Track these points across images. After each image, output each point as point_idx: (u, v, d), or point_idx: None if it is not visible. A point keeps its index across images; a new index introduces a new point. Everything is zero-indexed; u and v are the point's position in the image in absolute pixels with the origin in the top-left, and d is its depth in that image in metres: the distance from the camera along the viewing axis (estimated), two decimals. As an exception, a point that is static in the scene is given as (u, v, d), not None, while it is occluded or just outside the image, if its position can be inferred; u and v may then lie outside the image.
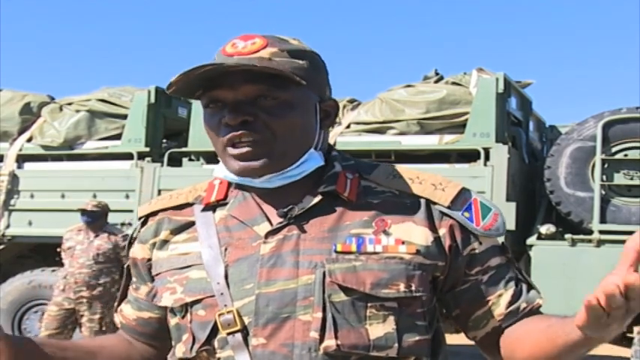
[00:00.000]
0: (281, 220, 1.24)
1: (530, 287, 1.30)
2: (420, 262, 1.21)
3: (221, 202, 1.31)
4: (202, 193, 1.34)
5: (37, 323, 6.79)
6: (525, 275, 1.32)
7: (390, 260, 1.20)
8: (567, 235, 5.88)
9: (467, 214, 1.26)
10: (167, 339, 1.35)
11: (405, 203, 1.26)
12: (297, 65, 1.23)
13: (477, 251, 1.27)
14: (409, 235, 1.23)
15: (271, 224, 1.24)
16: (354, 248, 1.20)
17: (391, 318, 1.19)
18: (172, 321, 1.30)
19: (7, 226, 7.28)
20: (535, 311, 1.28)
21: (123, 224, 6.73)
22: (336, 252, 1.20)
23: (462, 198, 1.27)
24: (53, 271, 6.73)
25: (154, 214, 1.37)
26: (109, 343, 1.43)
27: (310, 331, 1.17)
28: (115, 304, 1.48)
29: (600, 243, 5.79)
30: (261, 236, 1.24)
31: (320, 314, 1.17)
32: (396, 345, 1.18)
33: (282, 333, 1.18)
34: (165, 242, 1.33)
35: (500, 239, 1.31)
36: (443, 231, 1.24)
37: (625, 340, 6.20)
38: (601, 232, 5.81)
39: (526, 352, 1.22)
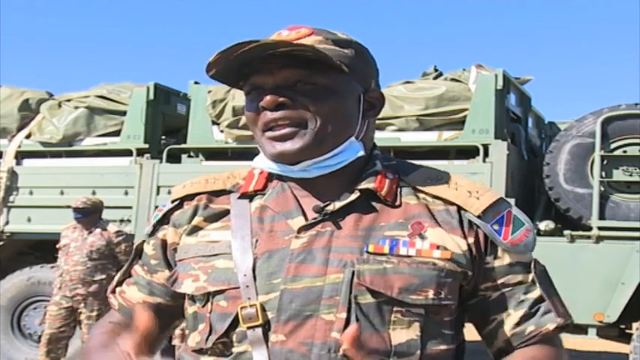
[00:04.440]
0: (316, 215, 1.22)
1: (551, 311, 1.22)
2: (452, 269, 1.18)
3: (259, 192, 1.28)
4: (240, 182, 1.31)
5: (36, 320, 6.79)
6: (554, 297, 1.24)
7: (422, 265, 1.17)
8: (566, 232, 5.88)
9: (496, 227, 1.22)
10: (163, 330, 1.33)
11: (441, 209, 1.23)
12: (341, 53, 1.22)
13: (491, 266, 1.22)
14: (444, 240, 1.19)
15: (306, 219, 1.22)
16: (386, 250, 1.17)
17: (416, 324, 1.16)
18: (190, 309, 1.26)
19: (7, 223, 7.27)
20: (547, 339, 1.22)
21: (122, 221, 6.73)
22: (367, 252, 1.17)
23: (496, 209, 1.23)
24: (52, 267, 6.71)
25: (190, 197, 1.33)
26: None
27: (332, 331, 1.14)
28: (113, 283, 1.41)
29: (599, 239, 5.78)
30: (294, 230, 1.21)
31: (344, 315, 1.15)
32: (419, 352, 1.15)
33: (303, 331, 1.15)
34: (196, 228, 1.29)
35: (530, 257, 1.25)
36: (471, 240, 1.21)
37: (624, 337, 6.20)
38: (600, 228, 5.80)
39: None
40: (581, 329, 5.65)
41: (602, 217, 5.86)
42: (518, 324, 1.21)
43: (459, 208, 1.22)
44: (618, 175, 5.95)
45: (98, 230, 6.02)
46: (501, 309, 1.22)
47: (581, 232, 5.89)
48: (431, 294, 1.16)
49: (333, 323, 1.14)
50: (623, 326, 6.25)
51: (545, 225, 5.99)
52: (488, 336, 1.24)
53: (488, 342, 1.25)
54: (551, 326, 1.21)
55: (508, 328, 1.21)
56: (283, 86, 1.20)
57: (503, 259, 1.22)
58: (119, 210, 6.78)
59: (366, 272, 1.16)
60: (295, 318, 1.15)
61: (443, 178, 1.27)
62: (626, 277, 5.63)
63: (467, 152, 6.20)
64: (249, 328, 1.17)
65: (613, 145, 5.98)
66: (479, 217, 1.22)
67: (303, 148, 1.19)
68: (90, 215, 6.02)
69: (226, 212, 1.28)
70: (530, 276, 1.23)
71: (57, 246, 6.09)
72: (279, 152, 1.20)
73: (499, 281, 1.22)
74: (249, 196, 1.28)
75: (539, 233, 5.95)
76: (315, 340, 1.14)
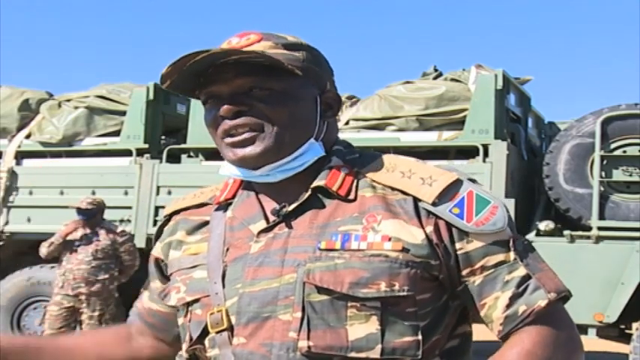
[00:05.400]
0: (275, 218, 1.23)
1: (540, 287, 1.18)
2: (408, 259, 1.16)
3: (229, 202, 1.31)
4: (217, 193, 1.34)
5: (36, 320, 6.79)
6: (540, 272, 1.20)
7: (374, 258, 1.15)
8: (566, 232, 5.88)
9: (456, 210, 1.18)
10: (173, 335, 1.38)
11: (399, 199, 1.21)
12: (293, 57, 1.23)
13: (465, 251, 1.18)
14: (398, 232, 1.17)
15: (268, 222, 1.24)
16: (337, 245, 1.17)
17: (374, 318, 1.14)
18: (179, 321, 1.30)
19: (6, 223, 7.28)
20: (542, 316, 1.16)
21: (122, 221, 6.74)
22: (319, 249, 1.18)
23: (452, 192, 1.19)
24: (52, 267, 6.71)
25: (177, 212, 1.39)
26: (100, 340, 1.46)
27: (289, 331, 1.16)
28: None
29: (599, 239, 5.79)
30: (255, 235, 1.23)
31: (299, 314, 1.15)
32: (379, 346, 1.14)
33: (263, 332, 1.17)
34: (180, 242, 1.34)
35: (507, 234, 1.19)
36: (429, 229, 1.17)
37: (624, 337, 6.21)
38: (600, 228, 5.81)
39: None
40: (581, 329, 5.65)
41: (601, 217, 5.87)
42: (509, 305, 1.17)
43: (415, 197, 1.20)
44: (618, 175, 5.96)
45: (103, 230, 6.06)
46: (488, 292, 1.18)
47: (580, 232, 5.90)
48: (383, 286, 1.14)
49: (290, 323, 1.16)
50: (622, 326, 6.26)
51: (545, 225, 5.99)
52: (486, 322, 1.21)
53: (490, 328, 1.22)
54: (542, 303, 1.17)
55: (500, 310, 1.17)
56: (239, 93, 1.21)
57: (476, 242, 1.18)
58: (119, 210, 6.79)
59: (316, 270, 1.16)
60: (254, 320, 1.18)
61: (399, 166, 1.24)
62: (626, 277, 5.63)
63: (467, 152, 6.21)
64: (217, 332, 1.20)
65: (613, 145, 5.99)
66: (433, 203, 1.18)
67: (264, 152, 1.21)
68: (95, 216, 6.05)
69: (205, 223, 1.32)
70: (512, 254, 1.19)
71: (64, 234, 6.01)
72: (240, 157, 1.22)
73: (478, 265, 1.18)
74: (224, 206, 1.31)
75: (539, 233, 5.96)
76: (275, 341, 1.16)
